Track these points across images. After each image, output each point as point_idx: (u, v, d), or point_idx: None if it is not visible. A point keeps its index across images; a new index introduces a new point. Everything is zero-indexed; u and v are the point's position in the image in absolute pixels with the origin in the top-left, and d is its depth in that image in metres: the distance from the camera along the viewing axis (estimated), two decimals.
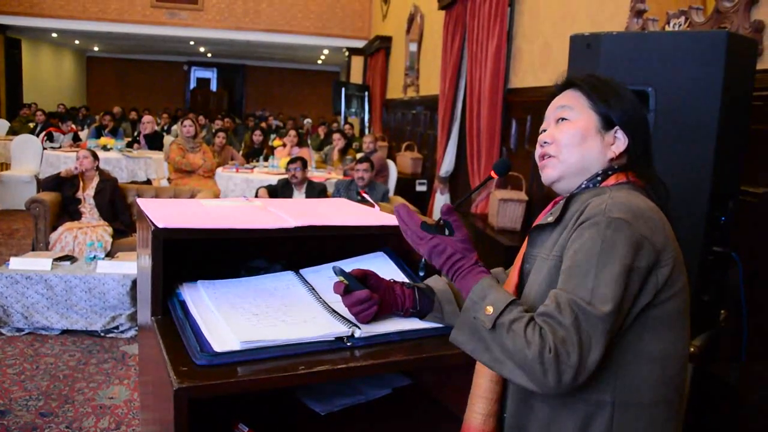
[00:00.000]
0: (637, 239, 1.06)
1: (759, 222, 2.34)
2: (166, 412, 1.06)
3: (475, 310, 1.08)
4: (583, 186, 1.22)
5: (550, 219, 1.20)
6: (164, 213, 1.32)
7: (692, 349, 1.92)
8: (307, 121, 14.51)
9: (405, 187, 7.27)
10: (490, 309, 1.06)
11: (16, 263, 3.84)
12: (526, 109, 4.60)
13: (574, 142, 1.21)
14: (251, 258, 1.52)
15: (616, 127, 1.22)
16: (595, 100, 1.22)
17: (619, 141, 1.22)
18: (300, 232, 1.36)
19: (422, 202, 6.88)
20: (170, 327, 1.22)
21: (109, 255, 4.53)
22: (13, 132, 9.51)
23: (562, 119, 1.24)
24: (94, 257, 4.03)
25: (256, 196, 5.23)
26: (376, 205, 1.66)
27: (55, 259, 3.97)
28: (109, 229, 4.91)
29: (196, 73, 20.98)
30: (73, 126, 9.31)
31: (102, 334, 3.90)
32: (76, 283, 3.82)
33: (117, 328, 3.91)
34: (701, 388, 1.97)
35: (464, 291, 1.14)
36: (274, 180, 5.97)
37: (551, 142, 1.24)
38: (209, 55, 19.59)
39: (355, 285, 1.26)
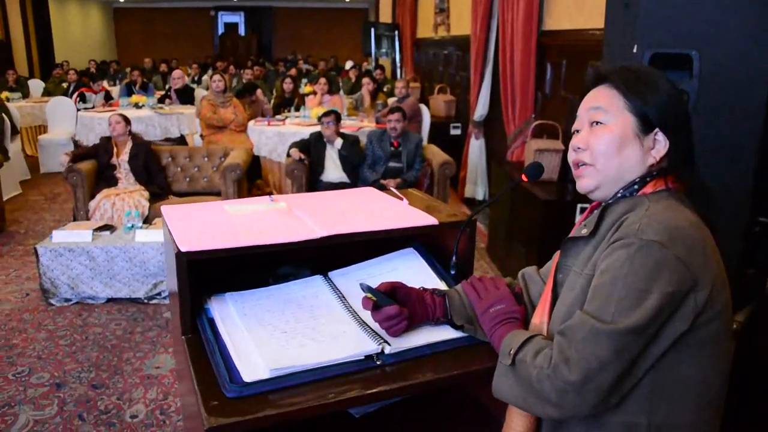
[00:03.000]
0: (670, 263, 1.00)
1: None
2: None
3: (503, 356, 1.10)
4: (619, 195, 1.14)
5: (584, 231, 1.15)
6: (188, 230, 1.30)
7: (734, 326, 1.86)
8: (349, 63, 14.05)
9: (439, 131, 7.13)
10: (513, 350, 1.08)
11: (58, 236, 3.93)
12: (561, 53, 4.40)
13: (611, 151, 1.13)
14: (279, 261, 1.50)
15: (656, 129, 1.13)
16: (632, 99, 1.13)
17: (660, 144, 1.13)
18: (326, 241, 1.33)
19: (457, 147, 6.74)
20: (200, 348, 1.22)
21: (147, 221, 4.61)
22: (48, 93, 9.59)
23: (597, 123, 1.15)
24: (132, 227, 4.09)
25: (288, 156, 5.21)
26: (404, 199, 1.61)
27: (95, 230, 4.05)
28: (146, 193, 4.96)
29: (224, 18, 20.71)
30: (104, 85, 9.33)
31: (146, 301, 4.00)
32: (116, 253, 3.91)
33: (159, 294, 4.01)
34: (744, 366, 1.91)
35: (497, 342, 1.17)
36: (306, 132, 5.88)
37: (585, 149, 1.16)
38: None
39: (383, 300, 1.23)
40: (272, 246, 1.28)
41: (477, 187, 6.48)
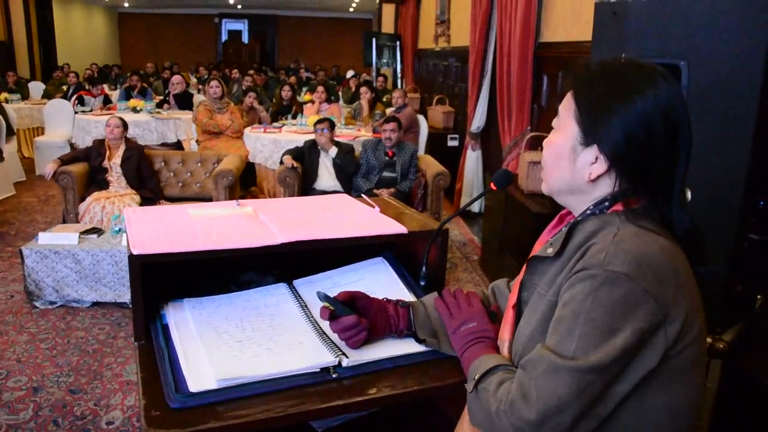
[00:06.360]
0: (639, 297, 0.92)
1: None
2: None
3: (469, 381, 1.06)
4: (588, 212, 1.05)
5: (550, 251, 1.06)
6: (145, 233, 1.25)
7: (721, 345, 1.80)
8: (350, 73, 14.09)
9: (436, 142, 7.09)
10: (477, 376, 1.03)
11: (44, 239, 3.88)
12: (557, 65, 4.36)
13: (549, 161, 1.09)
14: (243, 267, 1.45)
15: (595, 145, 1.02)
16: (581, 111, 1.03)
17: (602, 162, 1.02)
18: (287, 248, 1.27)
19: (454, 158, 6.70)
20: (151, 356, 1.17)
21: None
22: (48, 95, 9.58)
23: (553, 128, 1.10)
24: (119, 230, 4.04)
25: (281, 163, 5.16)
26: (376, 206, 1.56)
27: (82, 233, 4.00)
28: (137, 197, 4.92)
29: (228, 26, 20.78)
30: (104, 89, 9.32)
31: (130, 306, 3.94)
32: (102, 257, 3.85)
33: None
34: (732, 386, 1.85)
35: (467, 364, 1.12)
36: (301, 140, 5.83)
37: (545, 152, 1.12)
38: (239, 6, 19.32)
39: (341, 310, 1.18)
40: (229, 251, 1.23)
41: None
